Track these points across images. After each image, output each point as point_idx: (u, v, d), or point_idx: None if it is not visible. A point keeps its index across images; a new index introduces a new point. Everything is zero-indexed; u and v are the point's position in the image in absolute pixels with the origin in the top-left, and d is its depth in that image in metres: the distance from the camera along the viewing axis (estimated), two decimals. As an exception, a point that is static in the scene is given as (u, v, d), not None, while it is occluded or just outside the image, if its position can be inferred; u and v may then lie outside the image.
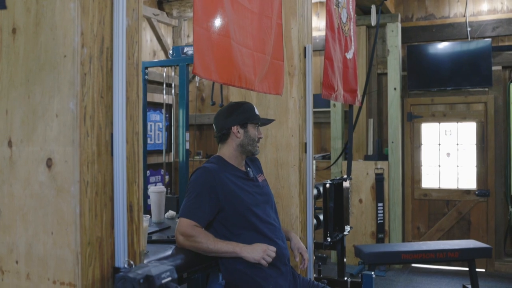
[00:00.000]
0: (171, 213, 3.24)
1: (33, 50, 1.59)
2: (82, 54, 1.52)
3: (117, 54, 1.62)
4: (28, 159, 1.58)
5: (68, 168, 1.51)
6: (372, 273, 3.79)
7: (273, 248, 2.42)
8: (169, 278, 1.57)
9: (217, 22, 2.20)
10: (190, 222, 2.37)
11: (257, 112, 2.67)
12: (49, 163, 1.54)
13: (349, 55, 4.09)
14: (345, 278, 3.86)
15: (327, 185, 3.64)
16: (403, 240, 6.20)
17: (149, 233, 2.60)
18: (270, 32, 2.71)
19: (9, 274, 1.62)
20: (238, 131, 2.60)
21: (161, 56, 6.99)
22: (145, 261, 1.83)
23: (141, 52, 1.76)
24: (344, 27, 3.95)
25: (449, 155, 6.30)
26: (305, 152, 3.19)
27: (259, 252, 2.37)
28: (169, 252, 2.31)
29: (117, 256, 1.62)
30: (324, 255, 6.20)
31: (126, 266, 1.61)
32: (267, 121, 2.78)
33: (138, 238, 1.73)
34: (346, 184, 3.91)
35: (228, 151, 2.62)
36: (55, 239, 1.53)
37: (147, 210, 3.32)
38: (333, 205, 3.66)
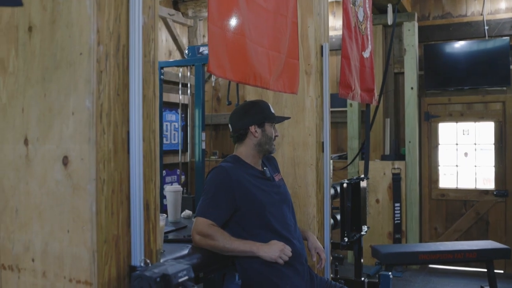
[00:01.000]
0: (187, 212, 3.23)
1: (49, 48, 1.58)
2: (98, 51, 1.51)
3: (134, 51, 1.61)
4: (44, 157, 1.58)
5: (84, 166, 1.50)
6: (390, 273, 3.75)
7: (290, 248, 2.40)
8: (186, 277, 1.56)
9: (232, 20, 2.18)
10: (206, 221, 2.36)
11: (272, 110, 2.66)
12: (65, 161, 1.54)
13: (366, 54, 4.05)
14: (362, 279, 3.82)
15: (345, 185, 3.61)
16: (420, 241, 6.13)
17: (165, 233, 2.59)
18: (285, 31, 2.69)
19: (25, 272, 1.62)
20: (256, 131, 2.58)
21: (176, 56, 7.00)
22: (161, 260, 1.82)
23: (157, 50, 1.75)
24: (361, 25, 3.92)
25: (466, 155, 6.22)
26: (322, 151, 3.16)
27: (275, 251, 2.35)
28: (185, 252, 2.30)
29: (134, 255, 1.61)
30: (341, 256, 6.14)
31: (142, 264, 1.60)
32: (283, 119, 2.77)
33: (155, 237, 1.72)
34: (363, 184, 3.88)
35: (245, 150, 2.61)
36: (71, 237, 1.53)
37: (163, 210, 3.32)
38: (350, 204, 3.63)
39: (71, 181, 1.53)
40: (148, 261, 1.62)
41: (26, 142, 1.62)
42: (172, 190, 3.07)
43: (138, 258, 1.61)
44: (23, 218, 1.62)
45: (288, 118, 2.82)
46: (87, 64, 1.51)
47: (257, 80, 2.34)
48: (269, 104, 2.69)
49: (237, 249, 2.35)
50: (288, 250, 2.37)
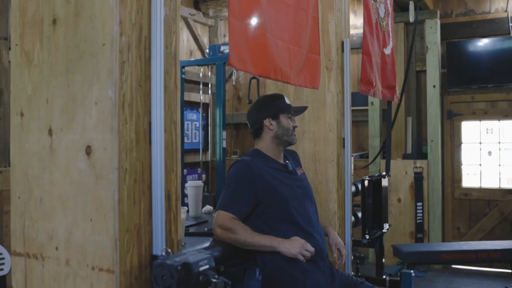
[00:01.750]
0: (208, 208, 3.25)
1: (72, 40, 1.61)
2: (120, 42, 1.53)
3: (155, 43, 1.63)
4: (68, 147, 1.60)
5: (107, 155, 1.52)
6: (412, 271, 3.72)
7: (311, 245, 2.38)
8: (207, 266, 1.56)
9: (253, 14, 2.19)
10: (228, 214, 2.36)
11: (287, 101, 2.65)
12: (88, 151, 1.56)
13: (387, 51, 4.02)
14: (384, 277, 3.80)
15: (366, 182, 3.60)
16: (443, 241, 6.06)
17: (186, 226, 2.61)
18: (306, 26, 2.69)
19: (49, 260, 1.64)
20: (271, 123, 2.59)
21: (197, 56, 7.04)
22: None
23: (178, 42, 1.76)
24: (382, 22, 3.89)
25: (490, 154, 6.13)
26: (343, 147, 3.15)
27: (296, 247, 2.34)
28: (206, 244, 2.31)
29: (155, 244, 1.62)
30: (362, 255, 6.12)
31: (163, 254, 1.61)
32: (299, 109, 2.76)
33: (176, 227, 1.73)
34: (384, 183, 3.85)
35: (264, 144, 2.62)
36: (94, 225, 1.55)
37: (184, 205, 3.33)
38: (372, 202, 3.60)
39: (94, 170, 1.55)
40: (170, 250, 1.64)
41: (50, 132, 1.64)
42: (193, 185, 3.09)
43: (159, 247, 1.62)
44: (47, 207, 1.65)
45: (305, 107, 2.81)
46: (109, 54, 1.52)
47: (277, 74, 2.35)
48: (284, 96, 2.69)
49: (258, 244, 2.35)
50: (309, 247, 2.36)
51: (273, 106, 2.61)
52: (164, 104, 1.65)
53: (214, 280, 1.57)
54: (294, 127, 2.64)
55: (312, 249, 2.36)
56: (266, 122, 2.59)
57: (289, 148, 2.76)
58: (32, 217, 1.69)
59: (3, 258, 3.60)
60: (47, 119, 1.65)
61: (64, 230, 1.61)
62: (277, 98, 2.66)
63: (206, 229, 2.63)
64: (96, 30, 1.56)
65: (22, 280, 1.71)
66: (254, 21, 2.18)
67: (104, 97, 1.53)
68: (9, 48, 4.39)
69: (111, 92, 1.52)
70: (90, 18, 1.57)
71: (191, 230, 2.64)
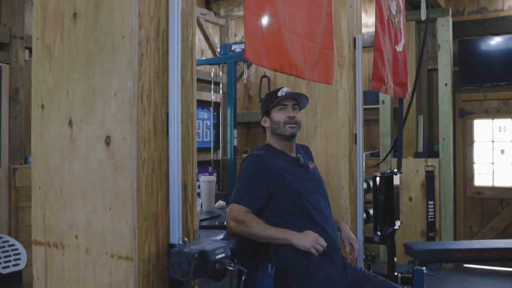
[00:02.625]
0: (221, 203, 3.28)
1: (92, 33, 1.64)
2: (139, 35, 1.57)
3: (173, 36, 1.66)
4: (87, 137, 1.64)
5: (126, 145, 1.55)
6: (423, 268, 3.73)
7: (323, 240, 2.40)
8: (223, 255, 1.60)
9: (268, 9, 2.22)
10: (241, 207, 2.39)
11: (280, 93, 2.59)
12: (107, 141, 1.59)
13: (399, 48, 4.03)
14: (395, 273, 3.80)
15: (377, 178, 3.61)
16: (455, 240, 6.04)
17: (199, 220, 2.64)
18: (319, 21, 2.71)
19: (69, 249, 1.68)
20: (266, 121, 2.68)
21: (208, 55, 7.08)
22: (198, 242, 1.86)
23: (195, 36, 1.80)
24: (394, 19, 3.90)
25: (503, 152, 6.11)
26: (355, 143, 3.17)
27: (310, 240, 2.36)
28: (220, 236, 2.34)
29: (172, 233, 1.65)
30: (373, 254, 6.11)
31: (180, 242, 1.65)
32: (292, 95, 2.63)
33: (192, 217, 1.76)
34: (396, 181, 3.85)
35: (271, 140, 2.68)
36: (113, 214, 1.58)
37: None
38: (383, 198, 3.61)
39: (113, 160, 1.58)
40: (186, 239, 1.67)
41: (70, 123, 1.68)
42: (207, 180, 3.13)
43: (176, 236, 1.65)
44: (67, 197, 1.69)
45: (301, 94, 2.69)
46: (129, 47, 1.56)
47: (292, 69, 2.37)
48: (282, 88, 2.64)
49: (271, 236, 2.37)
50: (322, 241, 2.38)
51: (266, 103, 2.67)
52: (181, 96, 1.68)
53: (231, 268, 1.60)
54: (289, 117, 2.59)
55: (324, 243, 2.38)
56: (263, 120, 2.70)
57: (302, 143, 2.78)
58: (52, 206, 1.73)
59: (19, 254, 3.65)
60: (67, 111, 1.69)
61: (84, 219, 1.65)
62: (270, 94, 2.69)
63: (217, 222, 2.67)
64: (115, 23, 1.60)
65: (43, 269, 1.75)
66: (269, 16, 2.21)
67: (124, 88, 1.56)
68: (25, 48, 4.46)
69: (130, 84, 1.55)
70: (110, 11, 1.61)
71: (205, 223, 2.66)
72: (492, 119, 6.10)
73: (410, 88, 4.26)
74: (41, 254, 1.75)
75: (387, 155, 5.48)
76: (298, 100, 2.66)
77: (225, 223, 2.48)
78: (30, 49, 4.17)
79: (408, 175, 6.00)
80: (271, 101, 2.63)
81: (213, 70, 6.47)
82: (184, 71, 1.72)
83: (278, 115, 2.61)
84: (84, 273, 1.64)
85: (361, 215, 3.17)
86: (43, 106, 1.75)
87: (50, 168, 1.73)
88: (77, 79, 1.67)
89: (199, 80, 6.61)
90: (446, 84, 5.98)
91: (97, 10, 1.64)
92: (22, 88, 4.43)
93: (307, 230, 2.42)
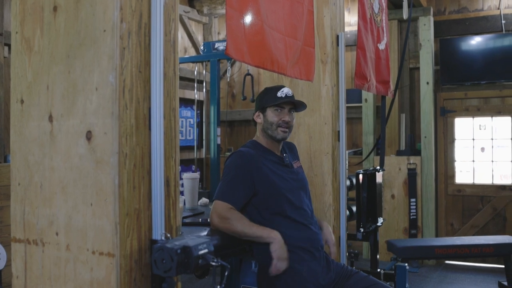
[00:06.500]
0: (204, 200, 3.26)
1: (73, 26, 1.62)
2: (121, 28, 1.55)
3: (155, 30, 1.64)
4: (68, 132, 1.62)
5: (108, 140, 1.54)
6: (406, 264, 3.75)
7: (285, 267, 2.35)
8: (206, 250, 1.59)
9: (250, 5, 2.21)
10: (225, 204, 2.38)
11: (281, 94, 2.56)
12: (88, 136, 1.57)
13: (382, 46, 4.05)
14: (378, 270, 3.83)
15: (360, 175, 3.62)
16: (436, 236, 6.10)
17: (183, 217, 2.62)
18: (301, 19, 2.71)
19: (49, 246, 1.66)
20: (259, 116, 2.63)
21: (192, 53, 7.05)
22: (181, 238, 1.84)
23: (177, 30, 1.78)
24: (376, 17, 3.92)
25: (483, 150, 6.18)
26: (338, 140, 3.17)
27: (283, 255, 2.32)
28: (204, 233, 2.33)
29: (155, 229, 1.64)
30: (356, 251, 6.14)
31: (163, 238, 1.63)
32: (287, 99, 2.56)
33: (175, 213, 1.75)
34: (378, 179, 3.87)
35: (259, 136, 2.65)
36: (94, 210, 1.56)
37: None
38: (366, 195, 3.63)
39: (94, 155, 1.56)
40: (169, 235, 1.65)
41: (50, 118, 1.66)
42: (190, 177, 3.11)
43: (159, 232, 1.64)
44: (47, 193, 1.66)
45: (302, 102, 2.64)
46: (110, 40, 1.54)
47: (274, 65, 2.37)
48: (284, 88, 2.59)
49: (254, 235, 2.36)
50: (284, 266, 2.34)
51: (262, 99, 2.62)
52: (164, 91, 1.67)
53: (214, 263, 1.59)
54: (283, 120, 2.56)
55: (283, 269, 2.34)
56: (256, 115, 2.65)
57: (288, 140, 2.76)
58: (32, 203, 1.70)
59: (-2, 253, 3.59)
60: (47, 105, 1.67)
61: (64, 215, 1.62)
62: (271, 90, 2.62)
63: (200, 219, 2.65)
64: (96, 16, 1.58)
65: (22, 267, 1.72)
66: (251, 12, 2.20)
67: (105, 82, 1.55)
68: (5, 44, 4.40)
69: (112, 78, 1.53)
70: (91, 4, 1.59)
71: (188, 220, 2.65)
72: (473, 117, 6.17)
73: (392, 86, 4.28)
74: (20, 251, 1.73)
75: (370, 153, 5.51)
76: (295, 104, 2.62)
77: (208, 220, 2.47)
78: (9, 46, 4.11)
79: (391, 173, 6.05)
80: (269, 100, 2.59)
81: (196, 68, 6.45)
82: (166, 66, 1.71)
83: (273, 116, 2.57)
84: (64, 270, 1.62)
85: (344, 212, 3.18)
86: (22, 101, 1.73)
87: (29, 164, 1.71)
88: (58, 73, 1.65)
89: (182, 78, 6.58)
90: (427, 83, 6.03)
91: (78, 3, 1.62)
92: (1, 86, 4.37)
93: (288, 228, 2.41)
